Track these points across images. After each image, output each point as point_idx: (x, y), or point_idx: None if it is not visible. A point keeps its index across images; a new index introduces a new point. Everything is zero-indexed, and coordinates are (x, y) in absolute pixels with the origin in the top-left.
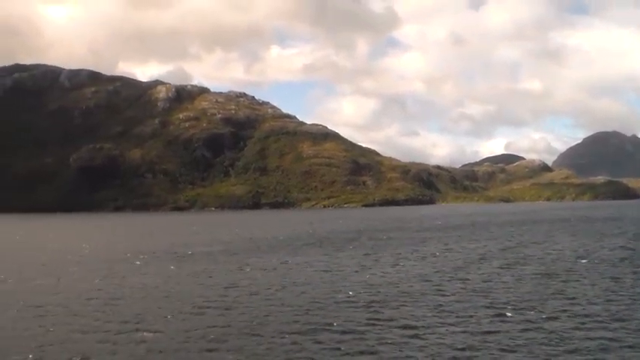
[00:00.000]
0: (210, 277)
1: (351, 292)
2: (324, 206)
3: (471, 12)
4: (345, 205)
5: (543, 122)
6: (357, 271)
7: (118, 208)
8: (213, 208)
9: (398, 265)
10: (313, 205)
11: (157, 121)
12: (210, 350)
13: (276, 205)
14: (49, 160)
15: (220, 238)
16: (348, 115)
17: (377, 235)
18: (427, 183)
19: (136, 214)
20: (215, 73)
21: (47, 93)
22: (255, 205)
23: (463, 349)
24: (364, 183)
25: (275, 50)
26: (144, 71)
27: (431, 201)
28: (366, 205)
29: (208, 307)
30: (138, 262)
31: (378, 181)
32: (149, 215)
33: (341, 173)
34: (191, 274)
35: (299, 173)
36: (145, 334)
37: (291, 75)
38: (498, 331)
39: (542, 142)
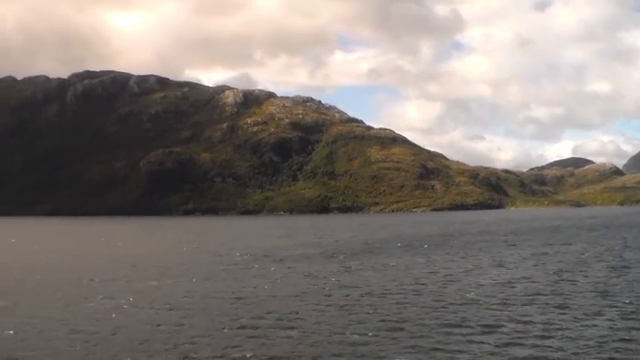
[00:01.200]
0: (325, 277)
1: (473, 293)
2: (393, 210)
3: (537, 13)
4: (414, 210)
5: (612, 125)
6: (464, 273)
7: (187, 212)
8: (282, 212)
9: (502, 267)
10: (382, 210)
11: (225, 125)
12: (365, 344)
13: (344, 210)
14: (119, 164)
15: (310, 242)
16: (412, 120)
17: (466, 238)
18: (495, 187)
19: (209, 218)
20: (279, 78)
21: (117, 98)
22: (324, 210)
23: (602, 349)
24: (433, 187)
25: (339, 55)
26: (209, 77)
27: (500, 205)
28: (434, 210)
29: (346, 305)
30: (256, 265)
31: (447, 186)
32: (224, 219)
33: (409, 177)
34: (308, 274)
35: (367, 177)
36: (299, 330)
37: (355, 80)
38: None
39: (611, 145)
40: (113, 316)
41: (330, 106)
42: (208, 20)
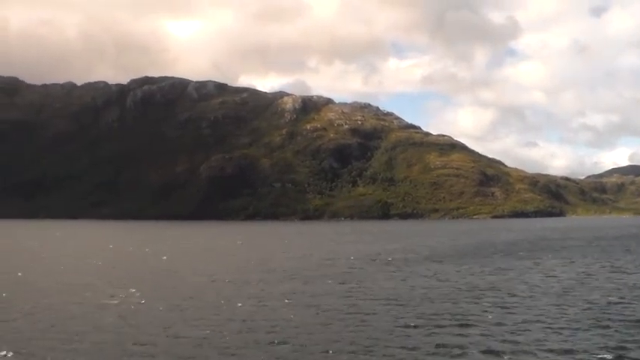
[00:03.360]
0: (455, 279)
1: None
2: (453, 217)
3: (593, 19)
4: (475, 217)
5: None
6: (585, 276)
7: (248, 217)
8: (342, 218)
9: (619, 272)
10: (442, 217)
11: (284, 131)
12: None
13: (405, 216)
14: (180, 169)
15: (404, 246)
16: (465, 127)
17: (554, 245)
18: (555, 195)
19: (275, 223)
20: (333, 84)
21: (176, 104)
22: (385, 216)
23: None
24: (492, 194)
25: (393, 62)
26: (264, 84)
27: (561, 213)
28: (495, 217)
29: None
30: (372, 268)
31: (507, 193)
32: (290, 224)
33: (469, 184)
34: (433, 275)
35: (427, 184)
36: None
37: (408, 86)
38: None
39: None
40: (292, 317)
41: (387, 112)
42: (265, 28)
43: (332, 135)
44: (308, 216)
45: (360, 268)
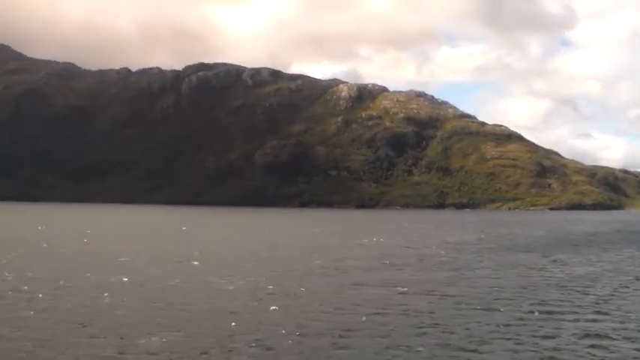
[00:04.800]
0: (545, 269)
1: None
2: (510, 208)
3: None
4: (532, 208)
5: None
6: None
7: (303, 204)
8: (398, 207)
9: None
10: (498, 207)
11: (340, 119)
12: None
13: (460, 206)
14: (234, 156)
15: (484, 237)
16: (517, 117)
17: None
18: (613, 187)
19: (332, 211)
20: (385, 73)
21: (230, 91)
22: (441, 205)
23: None
24: (549, 186)
25: (445, 51)
26: (316, 71)
27: (619, 206)
28: (552, 209)
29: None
30: (463, 257)
31: (564, 185)
32: (347, 212)
33: (526, 175)
34: (542, 267)
35: (483, 174)
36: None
37: (461, 76)
38: None
39: None
40: (427, 305)
41: (442, 101)
42: (319, 16)
43: (387, 123)
44: (363, 204)
45: (453, 257)
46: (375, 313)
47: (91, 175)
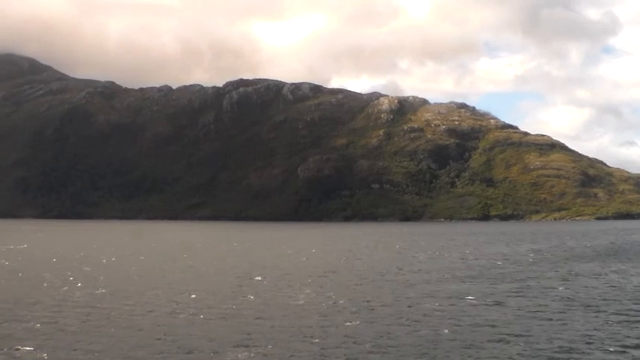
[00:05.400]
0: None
1: None
2: (555, 219)
3: None
4: (577, 218)
5: None
6: None
7: (346, 218)
8: (441, 219)
9: None
10: (543, 218)
11: (381, 132)
12: None
13: (505, 218)
14: (277, 171)
15: (532, 247)
16: (559, 126)
17: None
18: None
19: (380, 224)
20: (425, 85)
21: (271, 106)
22: (485, 217)
23: None
24: (595, 195)
25: (485, 62)
26: (356, 85)
27: None
28: (599, 219)
29: None
30: (526, 268)
31: (610, 194)
32: (394, 225)
33: (570, 185)
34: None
35: (527, 185)
36: None
37: (501, 86)
38: None
39: None
40: (504, 317)
41: (484, 112)
42: (357, 30)
43: (429, 135)
44: (407, 217)
45: (514, 269)
46: (455, 325)
47: (134, 192)
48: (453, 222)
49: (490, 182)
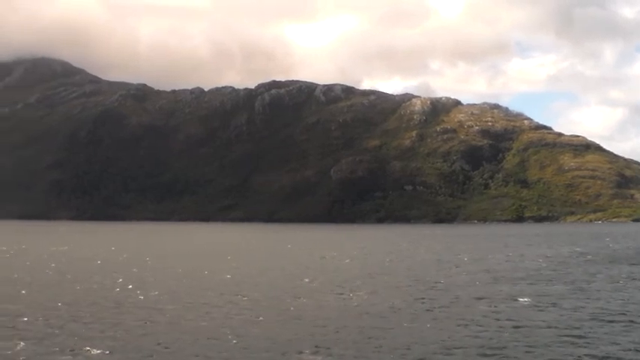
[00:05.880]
0: None
1: None
2: (590, 220)
3: None
4: (614, 220)
5: None
6: None
7: (379, 220)
8: (475, 221)
9: None
10: (578, 220)
11: (414, 133)
12: None
13: (539, 219)
14: (309, 172)
15: (575, 249)
16: (592, 126)
17: None
18: None
19: (415, 226)
20: (456, 86)
21: (304, 107)
22: (519, 219)
23: None
24: (632, 196)
25: (517, 62)
26: (388, 86)
27: None
28: (636, 220)
29: None
30: (575, 270)
31: None
32: (426, 226)
33: (606, 186)
34: None
35: (561, 186)
36: None
37: (533, 86)
38: None
39: None
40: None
41: (517, 112)
42: (388, 31)
43: (462, 136)
44: (440, 219)
45: (561, 271)
46: (515, 327)
47: (167, 194)
48: (486, 224)
49: (524, 183)
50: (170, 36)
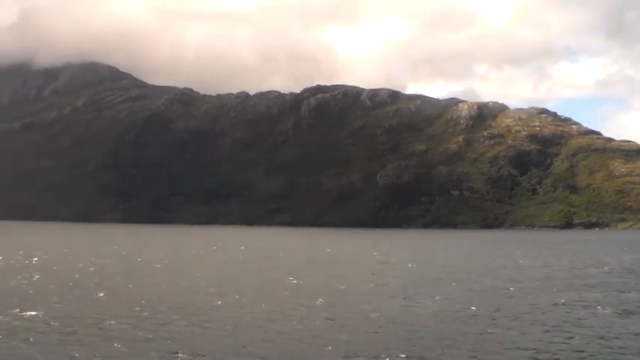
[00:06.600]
0: None
1: None
2: None
3: None
4: None
5: None
6: None
7: (426, 225)
8: (523, 227)
9: None
10: (630, 226)
11: (460, 138)
12: None
13: (588, 225)
14: (355, 177)
15: (633, 257)
16: None
17: None
18: None
19: (463, 231)
20: (502, 91)
21: (349, 112)
22: (568, 225)
23: None
24: None
25: (564, 66)
26: (432, 91)
27: None
28: None
29: None
30: None
31: None
32: (474, 232)
33: None
34: None
35: (611, 192)
36: None
37: (581, 91)
38: None
39: None
40: None
41: (565, 117)
42: (433, 36)
43: (510, 141)
44: (487, 224)
45: (635, 280)
46: (600, 337)
47: (213, 197)
48: (535, 230)
49: (573, 189)
50: (216, 41)
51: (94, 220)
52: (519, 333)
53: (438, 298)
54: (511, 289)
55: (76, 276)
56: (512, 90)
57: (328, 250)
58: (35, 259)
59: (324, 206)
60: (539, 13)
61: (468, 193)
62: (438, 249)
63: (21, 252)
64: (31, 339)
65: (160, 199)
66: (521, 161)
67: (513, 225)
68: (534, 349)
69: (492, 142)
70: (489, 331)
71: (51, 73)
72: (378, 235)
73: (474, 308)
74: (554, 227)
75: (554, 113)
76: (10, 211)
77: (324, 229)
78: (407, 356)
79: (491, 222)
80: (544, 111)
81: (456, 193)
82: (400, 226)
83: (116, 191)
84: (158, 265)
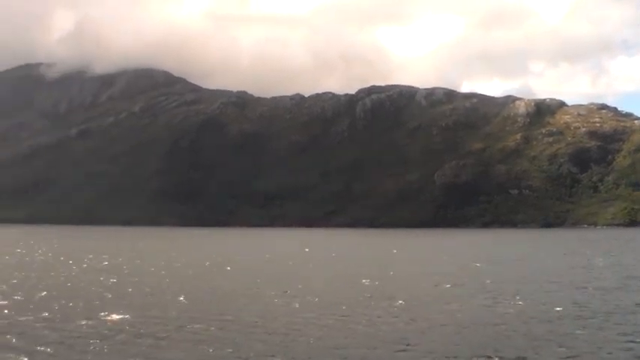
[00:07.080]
0: None
1: None
2: None
3: None
4: None
5: None
6: None
7: (485, 224)
8: (585, 226)
9: None
10: None
11: (519, 136)
12: None
13: None
14: (412, 177)
15: None
16: None
17: None
18: None
19: (523, 230)
20: (559, 87)
21: (405, 112)
22: (632, 223)
23: None
24: None
25: (622, 60)
26: (488, 89)
27: None
28: None
29: None
30: None
31: None
32: (536, 231)
33: None
34: None
35: None
36: None
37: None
38: None
39: None
40: None
41: (626, 112)
42: (487, 33)
43: (569, 139)
44: (548, 223)
45: None
46: None
47: (270, 199)
48: (597, 228)
49: (637, 186)
50: (269, 44)
51: (152, 223)
52: (612, 333)
53: (518, 298)
54: (590, 288)
55: (151, 279)
56: (569, 87)
57: (394, 250)
58: (105, 262)
59: (382, 207)
60: (594, 7)
61: (527, 191)
62: (504, 248)
63: (90, 256)
64: (125, 343)
65: (216, 203)
66: (581, 158)
67: (575, 224)
68: (630, 349)
69: (551, 139)
70: (578, 332)
71: (106, 80)
72: (439, 235)
73: (558, 309)
74: (617, 225)
75: (615, 108)
76: (71, 216)
77: (383, 230)
78: (500, 357)
79: (551, 221)
80: (604, 106)
81: (514, 191)
82: (458, 225)
83: (173, 195)
84: (228, 268)
